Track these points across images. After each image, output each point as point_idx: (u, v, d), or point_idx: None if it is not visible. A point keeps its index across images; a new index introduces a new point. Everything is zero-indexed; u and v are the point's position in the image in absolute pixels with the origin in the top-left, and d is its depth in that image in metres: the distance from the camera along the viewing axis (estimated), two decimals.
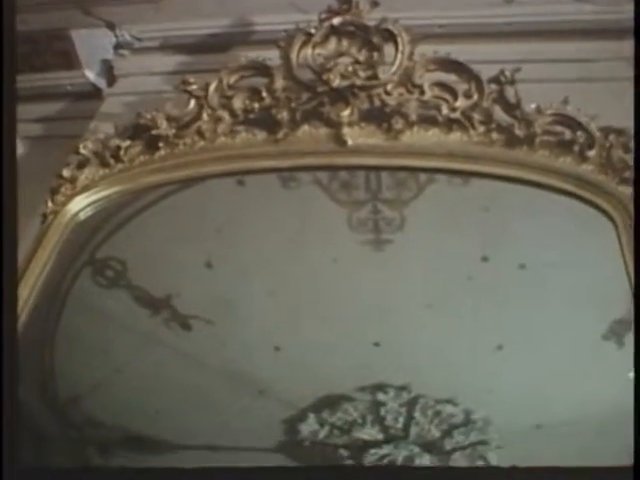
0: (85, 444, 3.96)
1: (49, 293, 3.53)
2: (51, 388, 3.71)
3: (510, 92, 3.61)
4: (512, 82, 3.58)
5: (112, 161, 3.66)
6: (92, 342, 3.59)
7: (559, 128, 3.62)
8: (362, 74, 3.70)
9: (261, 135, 3.81)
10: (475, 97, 3.64)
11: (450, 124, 3.67)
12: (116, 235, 3.80)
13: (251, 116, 3.83)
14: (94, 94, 4.71)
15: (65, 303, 3.63)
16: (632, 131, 3.32)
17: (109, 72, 4.75)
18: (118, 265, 3.72)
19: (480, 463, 3.60)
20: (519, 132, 3.56)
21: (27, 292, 3.17)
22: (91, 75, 4.69)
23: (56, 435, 3.93)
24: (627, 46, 3.83)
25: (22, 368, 3.67)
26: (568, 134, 3.57)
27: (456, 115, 3.66)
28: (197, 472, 1.48)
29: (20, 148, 4.34)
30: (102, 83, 4.75)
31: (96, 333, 3.59)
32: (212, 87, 3.80)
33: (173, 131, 3.74)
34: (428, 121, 3.73)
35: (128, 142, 3.71)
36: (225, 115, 3.81)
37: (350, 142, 3.69)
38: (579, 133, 3.54)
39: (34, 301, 3.24)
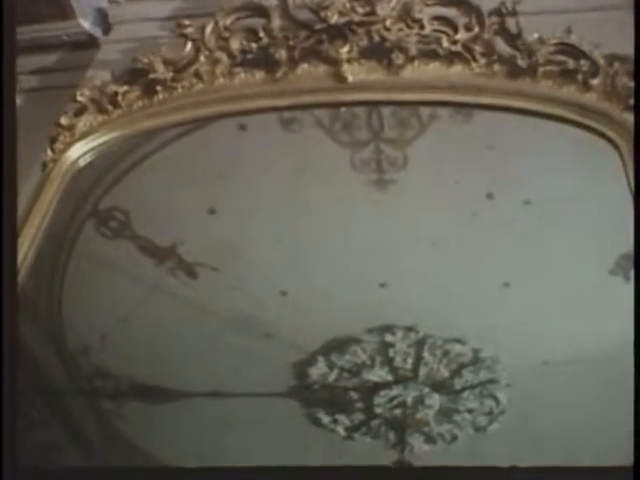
0: (96, 395, 4.00)
1: (53, 245, 3.52)
2: (61, 340, 3.73)
3: (511, 23, 3.54)
4: (513, 13, 3.50)
5: (110, 107, 3.62)
6: (99, 293, 3.59)
7: (562, 57, 3.56)
8: (360, 10, 3.63)
9: (260, 75, 3.77)
10: (476, 29, 3.57)
11: (451, 57, 3.61)
12: (118, 185, 3.77)
13: (249, 57, 3.78)
14: (90, 43, 4.65)
15: (70, 255, 3.62)
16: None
17: (104, 20, 4.68)
18: (121, 215, 3.70)
19: (490, 402, 3.61)
20: (521, 63, 3.50)
21: (28, 243, 3.16)
22: (86, 24, 4.62)
23: (65, 386, 3.97)
24: None
25: (32, 322, 3.69)
26: (571, 63, 3.51)
27: (457, 48, 3.60)
28: (198, 472, 1.47)
29: (17, 100, 4.30)
30: (97, 32, 4.68)
31: (102, 284, 3.59)
32: (208, 29, 3.74)
33: (170, 74, 3.70)
34: (429, 55, 3.67)
35: (125, 88, 3.67)
36: (223, 57, 3.76)
37: (351, 79, 3.64)
38: (582, 62, 3.48)
39: (36, 252, 3.23)
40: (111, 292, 3.57)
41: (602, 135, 3.26)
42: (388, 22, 3.54)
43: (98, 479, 1.35)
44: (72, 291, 3.59)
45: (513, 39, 3.46)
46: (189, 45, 3.66)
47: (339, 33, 3.56)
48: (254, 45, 3.63)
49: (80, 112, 3.56)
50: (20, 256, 3.03)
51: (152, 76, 3.60)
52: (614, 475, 1.29)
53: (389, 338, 3.43)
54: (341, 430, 3.82)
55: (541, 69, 3.42)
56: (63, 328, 3.69)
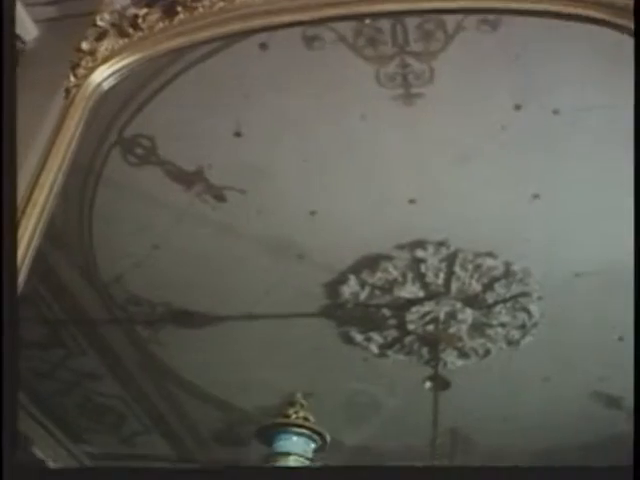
0: (130, 322, 4.05)
1: (80, 175, 3.50)
2: (93, 270, 3.75)
3: None
4: None
5: (131, 30, 3.52)
6: (128, 221, 3.58)
7: None
8: None
9: None
10: None
11: None
12: (142, 112, 3.71)
13: None
14: None
15: (98, 185, 3.60)
16: None
17: None
18: (147, 142, 3.66)
19: (522, 315, 3.62)
20: None
21: (54, 173, 3.15)
22: None
23: (100, 315, 4.01)
24: None
25: (63, 253, 3.72)
26: None
27: None
28: (198, 472, 1.48)
29: (35, 31, 4.26)
30: None
31: (131, 212, 3.58)
32: None
33: None
34: None
35: (145, 10, 3.56)
36: None
37: None
38: None
39: (63, 183, 3.23)
40: (141, 219, 3.57)
41: (631, 33, 3.16)
42: None
43: (98, 479, 1.36)
44: (102, 220, 3.58)
45: None
46: None
47: None
48: None
49: (101, 37, 3.47)
50: (46, 188, 3.02)
51: None
52: (614, 475, 1.28)
53: (420, 254, 3.42)
54: (374, 348, 3.87)
55: None
56: (95, 257, 3.71)
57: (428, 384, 3.48)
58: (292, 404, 1.44)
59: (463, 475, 1.31)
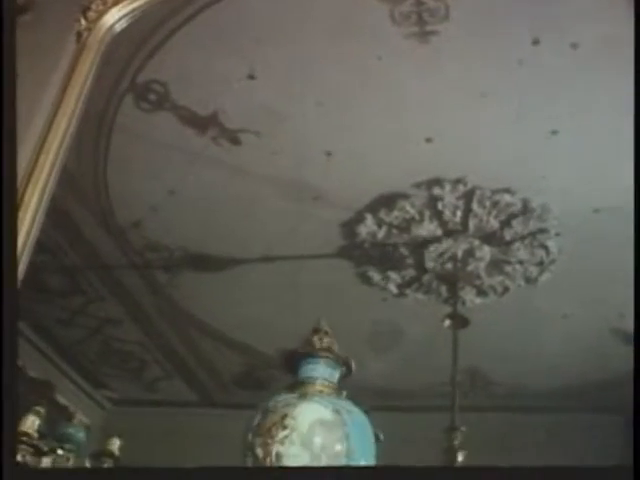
0: (148, 267, 4.06)
1: (93, 123, 3.48)
2: (110, 217, 3.75)
3: None
4: None
5: None
6: (144, 167, 3.56)
7: None
8: None
9: None
10: None
11: None
12: (154, 57, 3.67)
13: None
14: None
15: (112, 132, 3.58)
16: None
17: None
18: (160, 87, 3.62)
19: (541, 252, 3.60)
20: None
21: (67, 119, 3.12)
22: None
23: (118, 261, 4.03)
24: None
25: (79, 201, 3.72)
26: None
27: None
28: (198, 472, 1.49)
29: None
30: None
31: (146, 158, 3.55)
32: None
33: None
34: None
35: None
36: None
37: None
38: None
39: (76, 130, 3.21)
40: (156, 165, 3.55)
41: None
42: None
43: (98, 479, 1.37)
44: (117, 167, 3.56)
45: None
46: None
47: None
48: None
49: None
50: (59, 135, 2.99)
51: None
52: (614, 475, 1.28)
53: (437, 192, 3.40)
54: (393, 287, 3.88)
55: None
56: (111, 204, 3.71)
57: (447, 322, 3.48)
58: (316, 331, 1.43)
59: (463, 475, 1.32)
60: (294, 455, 1.30)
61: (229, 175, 3.43)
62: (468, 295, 3.79)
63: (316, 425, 1.33)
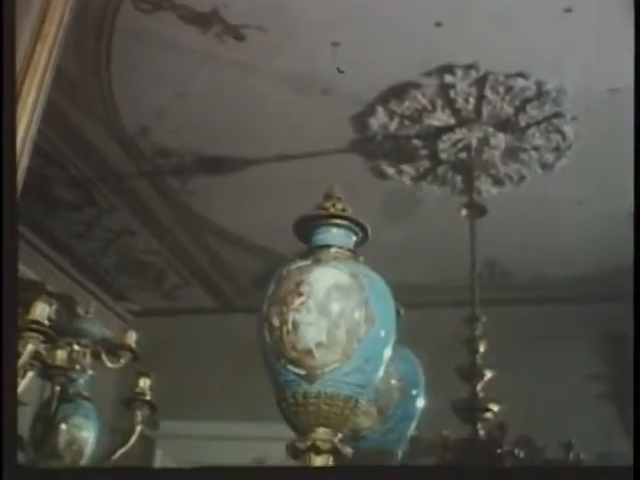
0: (160, 174, 4.03)
1: (92, 29, 3.40)
2: (117, 124, 3.70)
3: None
4: None
5: None
6: (147, 71, 3.50)
7: None
8: None
9: None
10: None
11: None
12: None
13: None
14: None
15: (112, 37, 3.51)
16: None
17: None
18: None
19: (557, 137, 3.53)
20: None
21: (55, 25, 3.03)
22: None
23: (129, 170, 3.99)
24: None
25: (85, 112, 3.66)
26: None
27: None
28: (197, 472, 1.45)
29: None
30: None
31: (149, 61, 3.47)
32: None
33: None
34: None
35: None
36: None
37: None
38: None
39: (72, 39, 3.12)
40: (160, 68, 3.47)
41: None
42: None
43: (98, 479, 1.35)
44: (121, 74, 3.51)
45: None
46: None
47: None
48: None
49: None
50: (48, 41, 2.91)
51: None
52: (614, 475, 1.25)
53: (449, 79, 3.30)
54: (407, 180, 3.82)
55: None
56: (118, 111, 3.66)
57: (464, 212, 3.43)
58: (328, 197, 1.39)
59: (464, 475, 1.29)
60: (311, 322, 1.27)
61: (235, 73, 3.35)
62: (484, 185, 3.73)
63: (333, 290, 1.29)
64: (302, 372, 1.29)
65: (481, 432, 3.29)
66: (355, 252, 1.42)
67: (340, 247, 1.39)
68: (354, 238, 1.45)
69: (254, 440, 4.59)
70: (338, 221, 1.45)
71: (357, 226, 1.45)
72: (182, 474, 1.46)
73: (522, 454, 3.24)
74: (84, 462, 2.02)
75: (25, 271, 4.01)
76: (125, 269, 4.88)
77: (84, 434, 2.05)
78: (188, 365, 4.87)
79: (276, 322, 1.28)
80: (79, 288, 4.74)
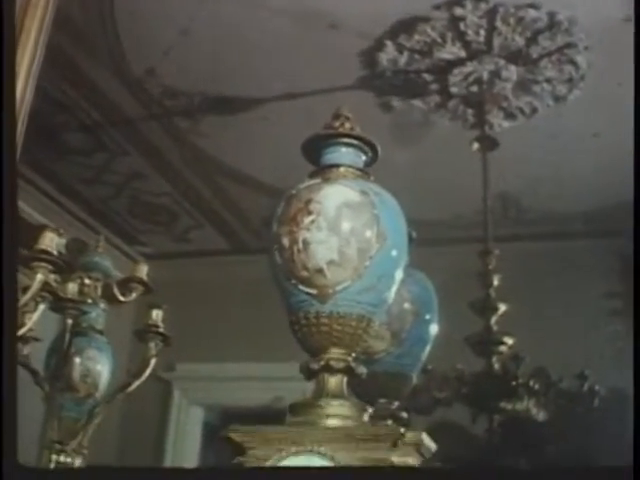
0: (168, 116, 3.99)
1: None
2: (124, 66, 3.66)
3: None
4: None
5: None
6: (151, 10, 3.43)
7: None
8: None
9: None
10: None
11: None
12: None
13: None
14: None
15: None
16: None
17: None
18: None
19: (569, 68, 3.47)
20: None
21: None
22: None
23: (137, 113, 3.96)
24: None
25: (89, 56, 3.62)
26: None
27: None
28: (197, 472, 1.44)
29: None
30: None
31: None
32: None
33: None
34: None
35: None
36: None
37: None
38: None
39: None
40: (164, 6, 3.44)
41: None
42: None
43: (98, 479, 1.33)
44: (124, 14, 3.46)
45: None
46: None
47: None
48: None
49: None
50: None
51: None
52: (614, 475, 1.22)
53: (459, 12, 3.24)
54: (417, 114, 3.78)
55: None
56: (124, 53, 3.61)
57: (476, 145, 3.40)
58: (337, 117, 1.36)
59: (464, 475, 1.28)
60: (321, 241, 1.25)
61: (241, 9, 3.30)
62: (495, 119, 3.69)
63: (343, 208, 1.28)
64: (314, 291, 1.27)
65: (496, 365, 3.32)
66: (365, 171, 1.40)
67: (349, 166, 1.38)
68: (364, 157, 1.42)
69: (269, 380, 4.64)
70: (347, 140, 1.42)
71: (367, 145, 1.43)
72: (182, 474, 1.47)
73: (537, 386, 3.27)
74: (99, 395, 2.02)
75: (37, 217, 4.02)
76: (137, 213, 4.87)
77: (98, 367, 2.05)
78: (202, 307, 4.90)
79: (286, 242, 1.27)
80: (91, 233, 4.75)
